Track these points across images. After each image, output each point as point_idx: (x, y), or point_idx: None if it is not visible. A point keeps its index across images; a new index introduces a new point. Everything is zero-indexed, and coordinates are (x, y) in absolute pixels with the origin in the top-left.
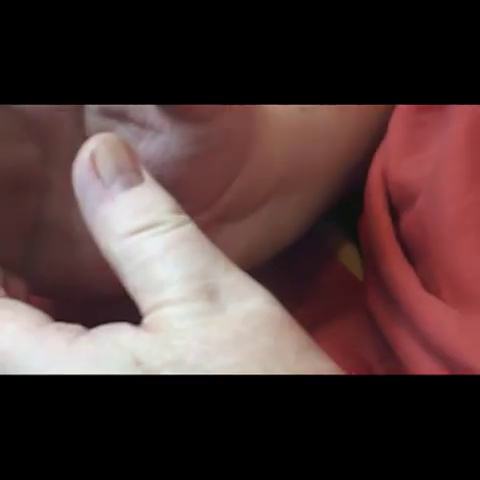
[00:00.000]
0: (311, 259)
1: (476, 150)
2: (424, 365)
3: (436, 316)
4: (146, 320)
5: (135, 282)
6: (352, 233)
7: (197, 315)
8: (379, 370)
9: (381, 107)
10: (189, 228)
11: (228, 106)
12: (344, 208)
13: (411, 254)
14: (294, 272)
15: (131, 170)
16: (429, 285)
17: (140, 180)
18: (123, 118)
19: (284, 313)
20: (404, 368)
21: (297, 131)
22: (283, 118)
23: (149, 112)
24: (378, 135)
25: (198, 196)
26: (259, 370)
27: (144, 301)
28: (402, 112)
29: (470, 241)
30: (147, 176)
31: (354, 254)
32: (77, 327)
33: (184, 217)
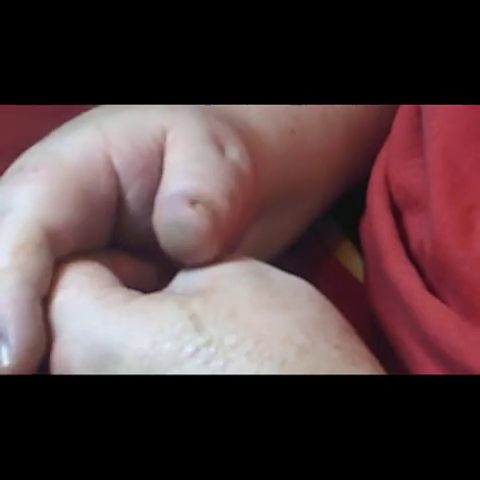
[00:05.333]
0: (310, 258)
1: (450, 169)
2: (425, 365)
3: (438, 317)
4: (202, 288)
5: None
6: (351, 233)
7: (250, 283)
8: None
9: (372, 115)
10: None
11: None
12: (344, 208)
13: (415, 255)
14: (293, 272)
15: None
16: (433, 287)
17: None
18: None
19: (327, 299)
20: (405, 368)
21: (289, 152)
22: (275, 140)
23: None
24: (370, 144)
25: None
26: (303, 336)
27: (203, 272)
28: (404, 114)
29: (457, 253)
30: None
31: (353, 254)
32: (140, 293)
33: None
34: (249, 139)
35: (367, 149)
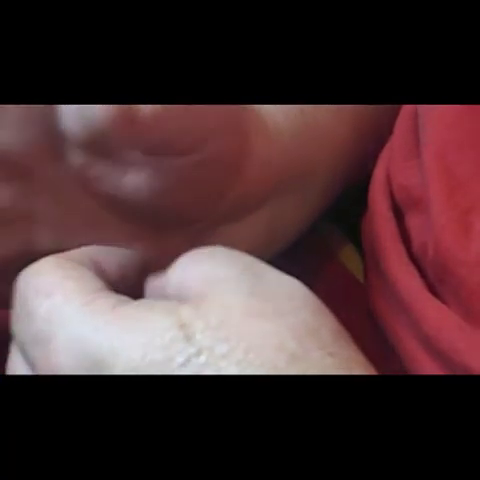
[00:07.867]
0: (311, 259)
1: (447, 173)
2: (425, 365)
3: (438, 318)
4: (194, 291)
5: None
6: (352, 233)
7: (242, 288)
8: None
9: (380, 106)
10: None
11: (212, 134)
12: (344, 208)
13: (417, 256)
14: (294, 272)
15: None
16: (434, 288)
17: None
18: (106, 154)
19: (323, 303)
20: (405, 368)
21: (296, 132)
22: (282, 120)
23: (132, 150)
24: (378, 134)
25: (191, 211)
26: (294, 343)
27: (196, 272)
28: (406, 114)
29: (456, 255)
30: None
31: (354, 254)
32: (128, 298)
33: None
34: (251, 119)
35: (372, 140)
